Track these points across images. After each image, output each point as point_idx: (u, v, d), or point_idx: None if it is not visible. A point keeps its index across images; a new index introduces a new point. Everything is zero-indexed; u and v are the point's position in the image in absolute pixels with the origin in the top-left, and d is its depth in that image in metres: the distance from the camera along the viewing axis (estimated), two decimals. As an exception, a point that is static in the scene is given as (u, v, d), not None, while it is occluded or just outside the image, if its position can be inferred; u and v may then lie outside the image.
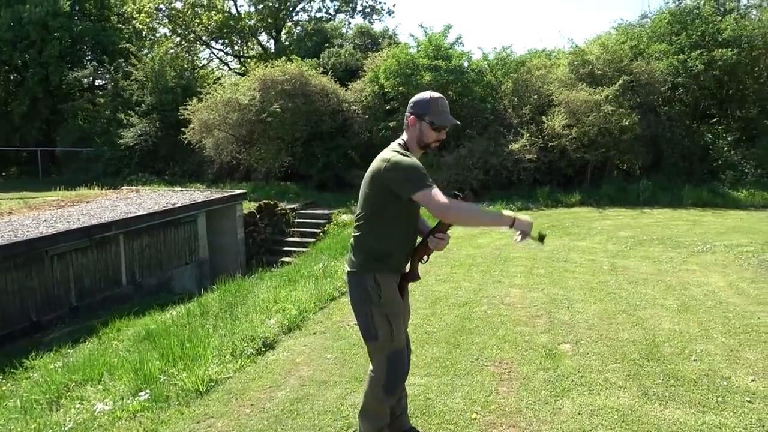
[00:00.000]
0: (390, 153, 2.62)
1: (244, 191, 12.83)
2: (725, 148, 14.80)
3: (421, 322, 5.11)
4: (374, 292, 2.68)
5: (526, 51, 18.23)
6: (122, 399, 4.08)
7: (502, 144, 14.20)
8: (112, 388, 4.42)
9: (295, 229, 13.49)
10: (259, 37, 25.66)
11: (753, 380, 3.68)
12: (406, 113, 2.71)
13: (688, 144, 15.02)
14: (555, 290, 6.08)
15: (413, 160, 2.57)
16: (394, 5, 33.60)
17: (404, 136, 2.72)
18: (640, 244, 8.80)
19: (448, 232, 2.69)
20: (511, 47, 16.90)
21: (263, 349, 4.64)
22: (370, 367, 2.84)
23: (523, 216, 2.52)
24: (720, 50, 14.42)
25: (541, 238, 2.69)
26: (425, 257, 2.74)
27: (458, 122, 2.84)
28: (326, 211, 13.95)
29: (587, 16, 58.50)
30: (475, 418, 3.26)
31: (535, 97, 15.12)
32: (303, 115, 16.18)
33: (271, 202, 13.58)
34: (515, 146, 13.92)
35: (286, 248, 12.94)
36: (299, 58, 17.62)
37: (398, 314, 2.74)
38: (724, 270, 7.01)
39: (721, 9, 15.79)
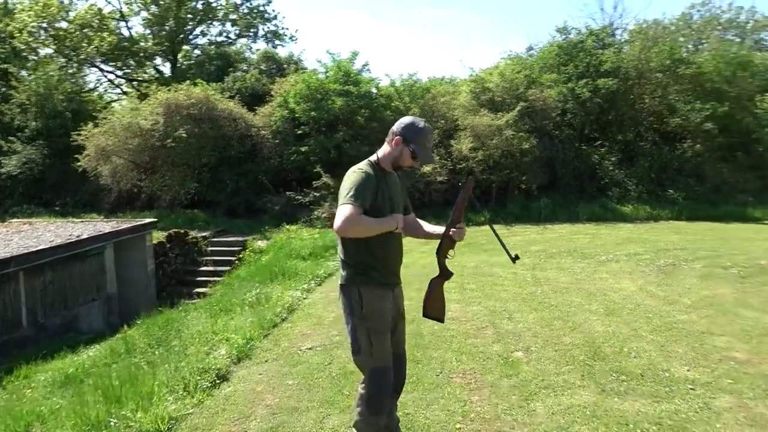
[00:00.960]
0: (354, 167, 2.75)
1: (154, 220, 12.17)
2: (610, 168, 16.30)
3: (373, 341, 5.14)
4: (357, 305, 2.76)
5: (426, 79, 19.01)
6: (68, 447, 3.73)
7: (414, 167, 14.62)
8: (49, 436, 4.02)
9: (208, 258, 12.96)
10: (155, 60, 24.60)
11: (689, 370, 4.11)
12: (394, 130, 2.79)
13: (578, 164, 16.38)
14: (491, 303, 6.37)
15: (361, 176, 2.65)
16: (296, 30, 33.77)
17: (380, 153, 2.82)
18: (552, 257, 9.44)
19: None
20: (416, 74, 17.51)
21: (218, 382, 4.45)
22: (361, 383, 2.86)
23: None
24: (602, 80, 16.02)
25: (515, 258, 2.89)
26: (452, 251, 2.84)
27: (436, 161, 3.01)
28: (240, 238, 13.55)
29: (479, 46, 62.21)
30: (460, 428, 3.35)
31: (442, 121, 15.81)
32: (210, 140, 15.70)
33: (181, 231, 12.98)
34: (426, 169, 14.40)
35: (199, 278, 12.39)
36: (204, 82, 17.11)
37: (380, 331, 2.77)
38: (631, 276, 7.72)
39: (601, 43, 17.57)
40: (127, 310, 10.31)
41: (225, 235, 14.09)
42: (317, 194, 14.57)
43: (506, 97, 15.91)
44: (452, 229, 2.81)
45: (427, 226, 3.01)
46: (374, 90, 16.39)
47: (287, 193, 15.19)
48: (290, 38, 25.87)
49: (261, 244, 12.97)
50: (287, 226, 13.90)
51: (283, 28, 25.37)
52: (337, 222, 2.52)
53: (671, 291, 6.74)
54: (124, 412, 3.94)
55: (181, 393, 4.20)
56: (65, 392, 5.52)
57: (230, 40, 25.26)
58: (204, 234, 13.48)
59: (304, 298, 7.16)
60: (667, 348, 4.62)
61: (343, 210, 2.53)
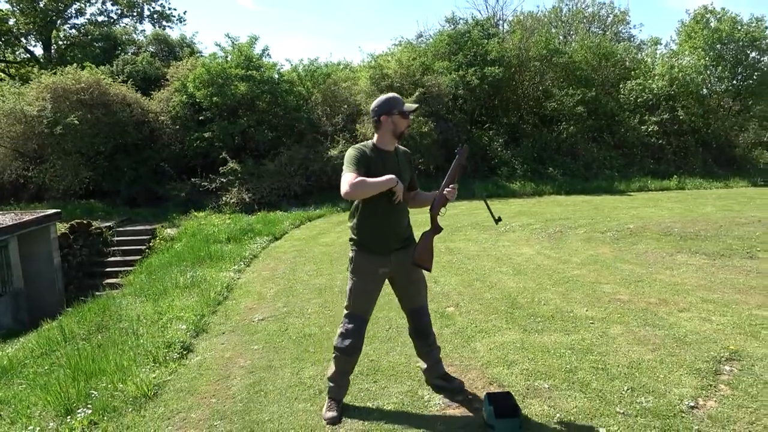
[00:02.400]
0: (351, 147, 3.23)
1: (58, 211, 11.55)
2: (498, 149, 17.84)
3: (319, 309, 5.71)
4: (350, 263, 3.39)
5: (323, 65, 19.37)
6: (51, 422, 3.92)
7: (321, 151, 15.10)
8: (22, 416, 4.14)
9: (116, 248, 12.60)
10: (26, 41, 22.58)
11: (587, 310, 5.10)
12: (374, 118, 3.21)
13: (471, 146, 17.72)
14: (416, 271, 7.12)
15: (354, 152, 3.12)
16: (185, 12, 32.22)
17: (375, 137, 3.23)
18: (458, 230, 10.41)
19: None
20: (317, 59, 17.85)
21: (184, 353, 4.77)
22: (342, 321, 3.42)
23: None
24: (489, 68, 17.39)
25: (498, 219, 3.50)
26: (443, 209, 3.32)
27: (416, 105, 3.49)
28: (147, 227, 13.28)
29: (370, 32, 62.98)
30: (419, 366, 4.02)
31: (345, 106, 16.37)
32: (104, 126, 15.05)
33: (84, 222, 12.47)
34: (334, 152, 14.93)
35: (108, 269, 12.03)
36: (92, 65, 16.24)
37: (362, 290, 3.31)
38: (528, 242, 8.86)
39: (487, 33, 18.98)
40: (35, 305, 9.92)
41: (130, 224, 13.72)
42: (224, 180, 14.59)
43: (404, 83, 16.79)
44: (446, 189, 3.27)
45: (427, 194, 3.50)
46: (276, 75, 16.53)
47: (192, 179, 15.03)
48: (179, 20, 24.87)
49: (171, 231, 12.83)
50: (195, 213, 13.83)
51: (170, 9, 24.36)
52: (343, 188, 2.95)
53: (563, 252, 7.91)
54: (103, 385, 4.19)
55: (152, 365, 4.49)
56: (8, 382, 5.49)
57: (112, 20, 23.81)
58: (108, 224, 13.04)
59: (238, 278, 7.49)
60: (568, 296, 5.62)
61: (344, 177, 2.99)
